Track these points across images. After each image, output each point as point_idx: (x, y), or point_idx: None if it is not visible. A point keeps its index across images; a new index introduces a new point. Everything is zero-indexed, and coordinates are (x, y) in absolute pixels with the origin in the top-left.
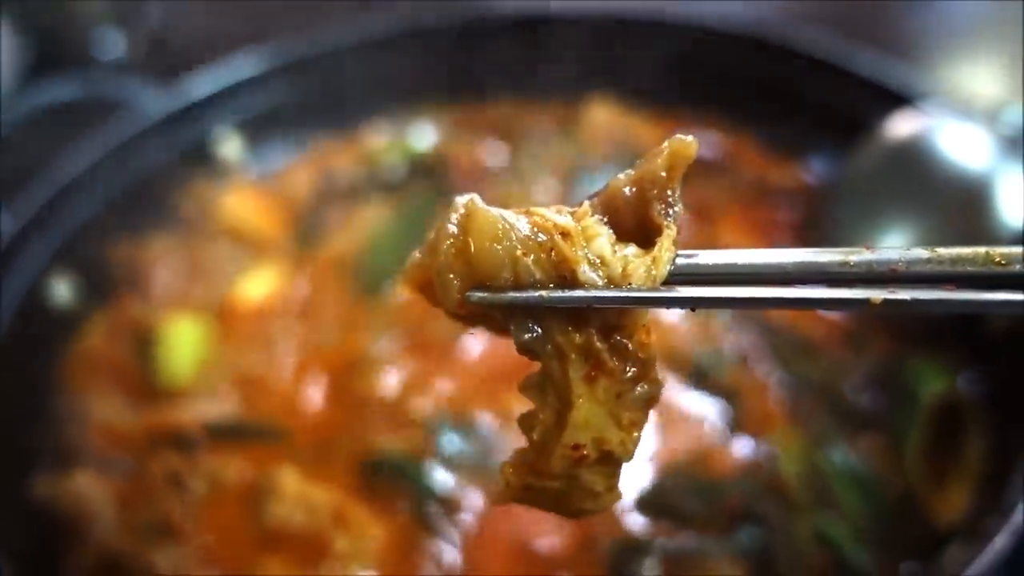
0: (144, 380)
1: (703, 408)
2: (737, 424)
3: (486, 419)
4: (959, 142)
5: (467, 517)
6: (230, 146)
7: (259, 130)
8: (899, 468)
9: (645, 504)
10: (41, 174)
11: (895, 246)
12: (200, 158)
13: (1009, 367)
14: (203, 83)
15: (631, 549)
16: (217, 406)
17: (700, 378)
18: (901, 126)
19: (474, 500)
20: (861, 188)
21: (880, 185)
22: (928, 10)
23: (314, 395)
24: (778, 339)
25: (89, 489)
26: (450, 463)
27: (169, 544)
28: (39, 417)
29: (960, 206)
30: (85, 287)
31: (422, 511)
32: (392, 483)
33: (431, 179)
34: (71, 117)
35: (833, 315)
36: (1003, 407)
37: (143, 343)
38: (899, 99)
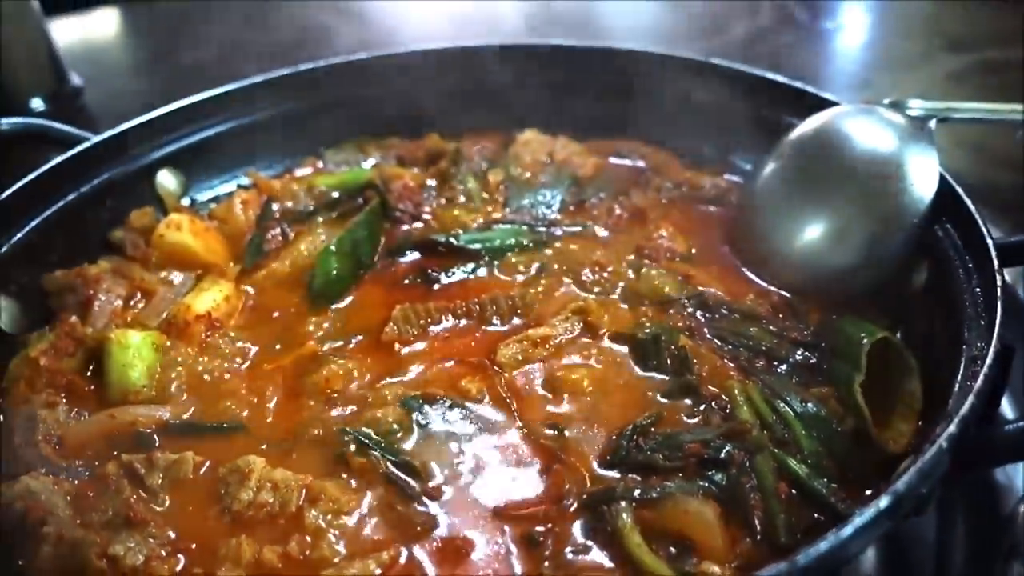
0: (94, 393)
1: (656, 375)
2: (691, 385)
3: (446, 399)
4: (868, 126)
5: (442, 484)
6: (168, 179)
7: (196, 164)
8: (848, 411)
9: (610, 463)
10: None
11: None
12: (138, 190)
13: (928, 318)
14: (140, 119)
15: (603, 499)
16: (172, 409)
17: (651, 349)
18: (813, 120)
19: (446, 469)
20: (781, 177)
21: (797, 172)
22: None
23: (271, 393)
24: (719, 315)
25: (41, 488)
26: (419, 437)
27: (132, 535)
28: None
29: (871, 183)
30: (21, 312)
31: (396, 482)
32: (362, 459)
33: (371, 201)
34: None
35: (767, 289)
36: (930, 350)
37: (90, 359)
38: (811, 104)
